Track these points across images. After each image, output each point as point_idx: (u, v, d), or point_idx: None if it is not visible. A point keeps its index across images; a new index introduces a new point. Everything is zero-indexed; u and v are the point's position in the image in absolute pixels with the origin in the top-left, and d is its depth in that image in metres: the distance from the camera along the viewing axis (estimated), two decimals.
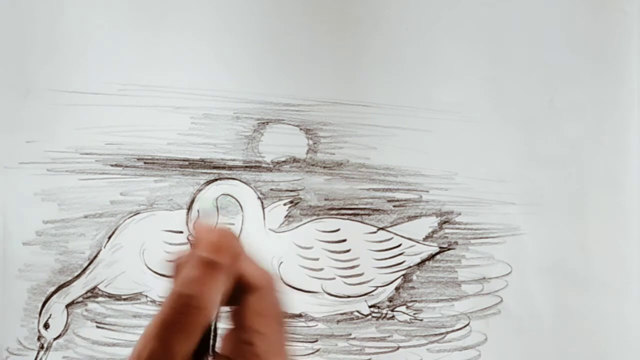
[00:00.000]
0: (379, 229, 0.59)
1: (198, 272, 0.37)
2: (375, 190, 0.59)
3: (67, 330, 0.56)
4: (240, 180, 0.58)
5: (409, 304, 0.59)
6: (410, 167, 0.59)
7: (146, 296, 0.57)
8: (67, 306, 0.56)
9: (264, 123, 0.58)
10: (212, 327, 0.38)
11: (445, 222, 0.59)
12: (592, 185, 0.59)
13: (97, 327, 0.56)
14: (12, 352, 0.56)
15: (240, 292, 0.37)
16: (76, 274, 0.56)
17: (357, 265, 0.58)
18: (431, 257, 0.59)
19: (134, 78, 0.57)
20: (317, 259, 0.58)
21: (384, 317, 0.58)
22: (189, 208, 0.57)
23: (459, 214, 0.59)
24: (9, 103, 0.56)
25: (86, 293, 0.57)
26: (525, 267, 0.59)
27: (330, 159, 0.58)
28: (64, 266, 0.56)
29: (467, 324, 0.59)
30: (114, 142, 0.57)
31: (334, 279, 0.58)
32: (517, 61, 0.59)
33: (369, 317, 0.58)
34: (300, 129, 0.58)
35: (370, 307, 0.58)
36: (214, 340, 0.38)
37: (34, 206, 0.56)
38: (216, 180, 0.57)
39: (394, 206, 0.59)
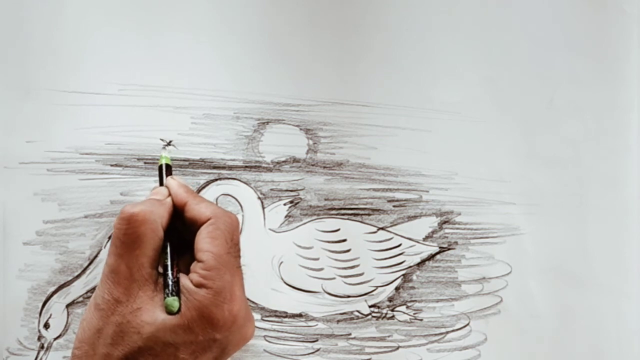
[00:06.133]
0: (379, 229, 0.59)
1: (138, 202, 0.46)
2: (375, 190, 0.59)
3: (67, 330, 0.56)
4: (240, 180, 0.58)
5: (409, 304, 0.59)
6: (410, 167, 0.59)
7: None
8: (68, 306, 0.56)
9: (264, 123, 0.58)
10: (168, 249, 0.46)
11: (445, 222, 0.59)
12: (592, 185, 0.59)
13: None
14: (12, 352, 0.56)
15: (197, 227, 0.46)
16: (76, 273, 0.56)
17: (357, 265, 0.58)
18: (431, 257, 0.59)
19: (134, 78, 0.57)
20: (317, 259, 0.58)
21: (384, 317, 0.58)
22: None
23: (459, 214, 0.59)
24: (9, 103, 0.56)
25: (86, 293, 0.57)
26: (525, 267, 0.59)
27: (330, 159, 0.58)
28: (64, 266, 0.56)
29: (467, 324, 0.59)
30: (114, 142, 0.57)
31: (334, 278, 0.58)
32: (517, 61, 0.59)
33: (369, 317, 0.58)
34: (300, 129, 0.58)
35: (370, 307, 0.58)
36: (172, 259, 0.46)
37: (34, 206, 0.56)
38: (216, 180, 0.57)
39: (394, 206, 0.59)
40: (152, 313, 0.43)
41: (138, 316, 0.43)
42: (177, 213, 0.48)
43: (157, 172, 0.55)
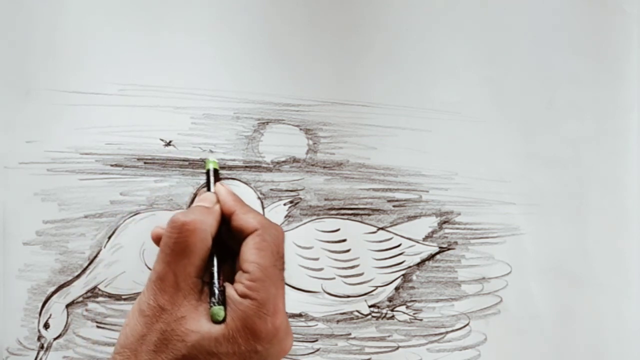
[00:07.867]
0: (379, 229, 0.59)
1: (189, 209, 0.47)
2: (375, 190, 0.59)
3: (67, 330, 0.56)
4: (240, 180, 0.58)
5: (409, 304, 0.59)
6: (410, 167, 0.59)
7: None
8: (67, 306, 0.56)
9: (264, 123, 0.58)
10: (214, 258, 0.46)
11: (445, 222, 0.59)
12: (592, 185, 0.59)
13: (97, 327, 0.57)
14: (12, 352, 0.56)
15: (244, 237, 0.46)
16: (76, 274, 0.57)
17: (357, 265, 0.58)
18: (431, 257, 0.59)
19: (133, 78, 0.57)
20: (317, 259, 0.58)
21: (384, 317, 0.58)
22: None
23: (459, 214, 0.59)
24: (9, 103, 0.56)
25: (86, 293, 0.57)
26: (525, 267, 0.59)
27: (330, 159, 0.58)
28: (64, 266, 0.56)
29: (467, 324, 0.59)
30: (114, 142, 0.57)
31: (334, 279, 0.58)
32: (517, 61, 0.59)
33: (369, 317, 0.58)
34: (300, 129, 0.58)
35: (370, 307, 0.58)
36: (218, 268, 0.46)
37: (34, 206, 0.56)
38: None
39: (394, 206, 0.59)
40: (196, 322, 0.43)
41: (182, 324, 0.43)
42: (223, 221, 0.48)
43: (157, 172, 0.55)
